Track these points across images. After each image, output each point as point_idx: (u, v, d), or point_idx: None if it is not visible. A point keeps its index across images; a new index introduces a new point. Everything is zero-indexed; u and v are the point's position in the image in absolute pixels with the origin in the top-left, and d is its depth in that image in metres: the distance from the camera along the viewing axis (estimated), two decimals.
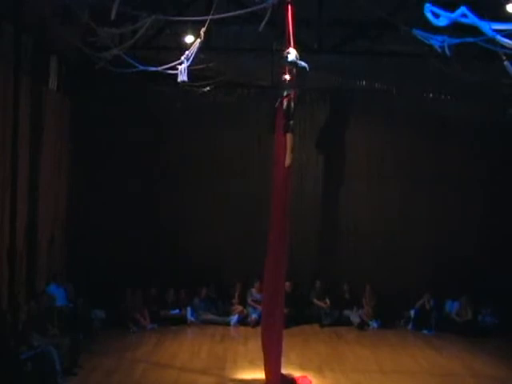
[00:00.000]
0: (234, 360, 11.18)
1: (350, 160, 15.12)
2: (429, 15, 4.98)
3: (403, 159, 15.02)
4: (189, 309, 14.05)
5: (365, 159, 15.10)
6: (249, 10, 8.24)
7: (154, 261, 14.22)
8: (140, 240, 14.42)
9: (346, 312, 14.41)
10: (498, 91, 13.63)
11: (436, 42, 6.60)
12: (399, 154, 15.03)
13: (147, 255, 14.30)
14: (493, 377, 10.57)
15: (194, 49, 8.99)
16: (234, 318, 14.07)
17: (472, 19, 4.80)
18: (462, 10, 4.80)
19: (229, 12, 8.67)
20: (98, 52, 10.47)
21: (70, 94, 13.90)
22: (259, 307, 13.99)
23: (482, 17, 4.89)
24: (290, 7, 8.84)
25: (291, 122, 8.93)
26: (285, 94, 8.98)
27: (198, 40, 8.94)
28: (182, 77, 9.01)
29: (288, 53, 8.86)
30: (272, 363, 9.13)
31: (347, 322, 14.23)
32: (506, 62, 7.11)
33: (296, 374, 9.97)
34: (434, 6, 4.99)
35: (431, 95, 14.87)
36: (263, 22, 8.52)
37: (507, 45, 5.28)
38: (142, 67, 10.06)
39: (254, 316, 14.00)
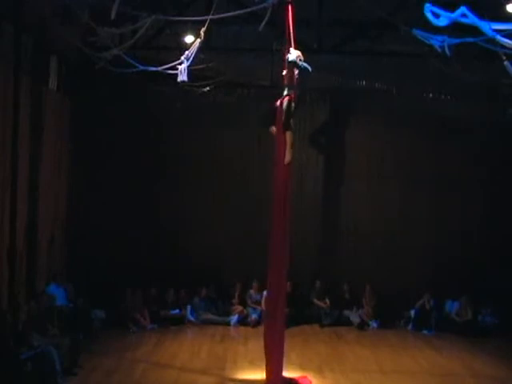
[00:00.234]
0: (234, 360, 11.17)
1: (349, 160, 15.12)
2: (429, 15, 4.98)
3: (403, 159, 15.02)
4: (189, 309, 14.05)
5: (365, 159, 15.10)
6: (249, 10, 8.25)
7: (154, 261, 14.22)
8: (140, 240, 14.42)
9: (346, 312, 14.40)
10: (497, 91, 13.64)
11: (436, 42, 6.60)
12: (399, 154, 15.03)
13: (147, 255, 14.30)
14: (493, 377, 10.56)
15: (193, 49, 8.99)
16: (234, 318, 14.06)
17: (472, 19, 4.80)
18: (462, 9, 4.80)
19: (229, 12, 8.68)
20: (98, 52, 10.47)
21: (70, 94, 13.90)
22: (259, 308, 14.04)
23: (482, 17, 4.90)
24: (290, 7, 8.85)
25: (291, 121, 9.01)
26: (285, 93, 9.03)
27: (198, 40, 8.94)
28: (182, 77, 9.01)
29: (289, 53, 8.89)
30: (274, 363, 9.14)
31: (347, 322, 14.22)
32: (506, 62, 7.12)
33: (296, 374, 9.96)
34: (433, 5, 4.99)
35: (431, 95, 14.86)
36: (263, 22, 8.52)
37: (507, 45, 5.28)
38: (142, 67, 10.06)
39: (254, 316, 14.00)
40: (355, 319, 14.23)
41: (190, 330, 13.58)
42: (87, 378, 9.79)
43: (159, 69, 9.84)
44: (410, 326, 14.08)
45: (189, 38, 10.96)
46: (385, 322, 14.17)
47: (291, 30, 8.87)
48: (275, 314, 9.24)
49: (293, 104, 9.01)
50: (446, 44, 6.52)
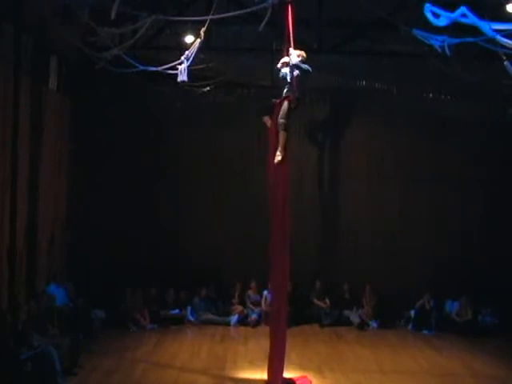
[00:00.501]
0: (234, 360, 11.17)
1: (349, 160, 15.12)
2: (429, 15, 4.99)
3: (403, 159, 15.02)
4: (189, 309, 14.06)
5: (365, 159, 15.09)
6: (249, 10, 8.25)
7: (154, 261, 14.21)
8: (140, 240, 14.41)
9: (346, 312, 14.40)
10: (498, 91, 13.63)
11: (436, 42, 6.61)
12: (399, 154, 15.03)
13: (147, 255, 14.29)
14: (493, 377, 10.56)
15: (193, 49, 8.99)
16: (234, 318, 14.06)
17: (472, 19, 4.81)
18: (462, 9, 4.80)
19: (229, 12, 8.68)
20: (98, 52, 10.47)
21: (70, 94, 13.89)
22: (258, 308, 14.05)
23: (482, 17, 4.90)
24: (289, 7, 8.84)
25: (286, 122, 8.98)
26: (284, 94, 9.03)
27: (198, 40, 8.94)
28: (182, 77, 9.01)
29: (289, 54, 8.88)
30: (276, 363, 9.16)
31: (347, 322, 14.22)
32: (506, 62, 7.13)
33: (296, 374, 9.95)
34: (434, 5, 5.00)
35: (431, 95, 14.86)
36: (263, 22, 8.52)
37: (507, 45, 5.28)
38: (142, 67, 10.06)
39: (253, 316, 14.00)
40: (355, 319, 14.23)
41: (189, 330, 13.58)
42: (87, 378, 9.78)
43: (159, 69, 9.84)
44: (410, 326, 14.07)
45: (189, 38, 10.97)
46: (385, 322, 14.17)
47: (291, 31, 8.87)
48: (279, 316, 9.27)
49: (292, 105, 9.01)
50: (446, 44, 6.54)
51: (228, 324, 13.95)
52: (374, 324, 14.17)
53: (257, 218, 13.60)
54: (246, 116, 14.73)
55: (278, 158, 8.96)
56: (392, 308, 14.28)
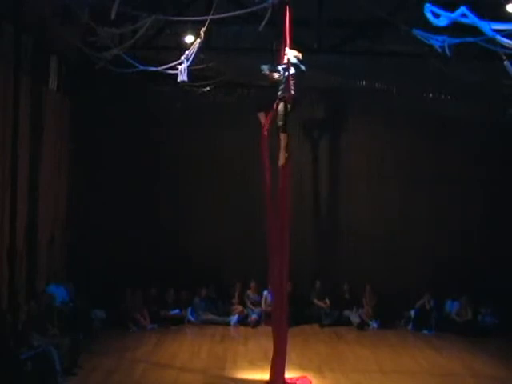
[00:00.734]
0: (234, 360, 11.17)
1: (349, 160, 15.11)
2: (429, 15, 4.99)
3: (403, 159, 15.02)
4: (189, 309, 14.06)
5: (365, 159, 15.09)
6: (249, 10, 8.25)
7: (154, 261, 14.21)
8: (140, 240, 14.42)
9: (346, 312, 14.39)
10: (498, 91, 13.63)
11: (436, 42, 6.61)
12: (399, 154, 15.03)
13: (147, 255, 14.29)
14: (493, 377, 10.55)
15: (193, 49, 9.00)
16: (234, 318, 14.06)
17: (472, 19, 4.81)
18: (462, 10, 4.81)
19: (229, 12, 8.68)
20: (98, 52, 10.47)
21: (70, 94, 13.89)
22: (258, 308, 14.05)
23: (482, 17, 4.90)
24: (287, 8, 8.85)
25: (284, 123, 8.99)
26: (279, 96, 9.04)
27: (198, 40, 8.95)
28: (182, 77, 9.02)
29: (286, 54, 8.89)
30: (278, 363, 9.16)
31: (347, 322, 14.21)
32: (506, 62, 7.13)
33: (296, 374, 9.95)
34: (434, 5, 5.00)
35: (431, 95, 14.84)
36: (263, 22, 8.52)
37: (507, 45, 5.28)
38: (142, 67, 10.07)
39: (253, 316, 14.00)
40: (355, 319, 14.23)
41: (189, 330, 13.58)
42: (87, 378, 9.78)
43: (159, 69, 9.85)
44: (410, 326, 14.07)
45: (189, 38, 10.95)
46: (385, 322, 14.16)
47: (287, 30, 8.88)
48: (280, 316, 9.27)
49: (288, 106, 9.01)
50: (446, 44, 6.54)
51: (228, 324, 13.95)
52: (374, 324, 14.17)
53: (257, 218, 13.58)
54: (246, 116, 14.67)
55: (282, 160, 8.97)
56: (392, 308, 14.28)
